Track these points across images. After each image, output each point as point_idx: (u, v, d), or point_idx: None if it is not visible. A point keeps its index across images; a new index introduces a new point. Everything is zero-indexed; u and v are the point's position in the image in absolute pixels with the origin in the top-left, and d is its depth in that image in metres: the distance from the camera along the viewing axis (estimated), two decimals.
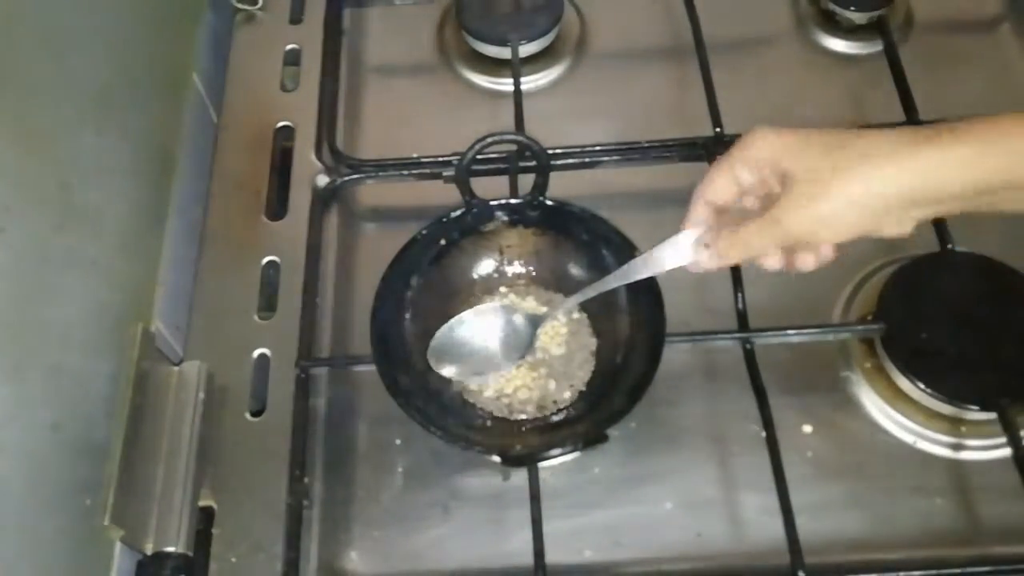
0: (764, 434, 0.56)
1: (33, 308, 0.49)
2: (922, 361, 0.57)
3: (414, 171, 0.68)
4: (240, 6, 0.78)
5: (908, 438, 0.58)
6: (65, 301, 0.52)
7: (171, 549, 0.54)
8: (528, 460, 0.55)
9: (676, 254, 0.49)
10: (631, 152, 0.68)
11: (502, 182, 0.65)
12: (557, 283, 0.62)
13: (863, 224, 0.43)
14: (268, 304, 0.64)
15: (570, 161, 0.67)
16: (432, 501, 0.57)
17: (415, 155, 0.69)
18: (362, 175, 0.69)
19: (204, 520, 0.56)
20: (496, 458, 0.57)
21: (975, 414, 0.57)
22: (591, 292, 0.54)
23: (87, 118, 0.57)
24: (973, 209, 0.43)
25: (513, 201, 0.62)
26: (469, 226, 0.61)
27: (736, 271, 0.61)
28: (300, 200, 0.68)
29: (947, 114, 0.65)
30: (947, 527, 0.55)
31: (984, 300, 0.60)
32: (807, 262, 0.47)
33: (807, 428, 0.58)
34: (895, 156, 0.42)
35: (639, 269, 0.50)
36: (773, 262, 0.47)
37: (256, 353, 0.62)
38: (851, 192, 0.42)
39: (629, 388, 0.54)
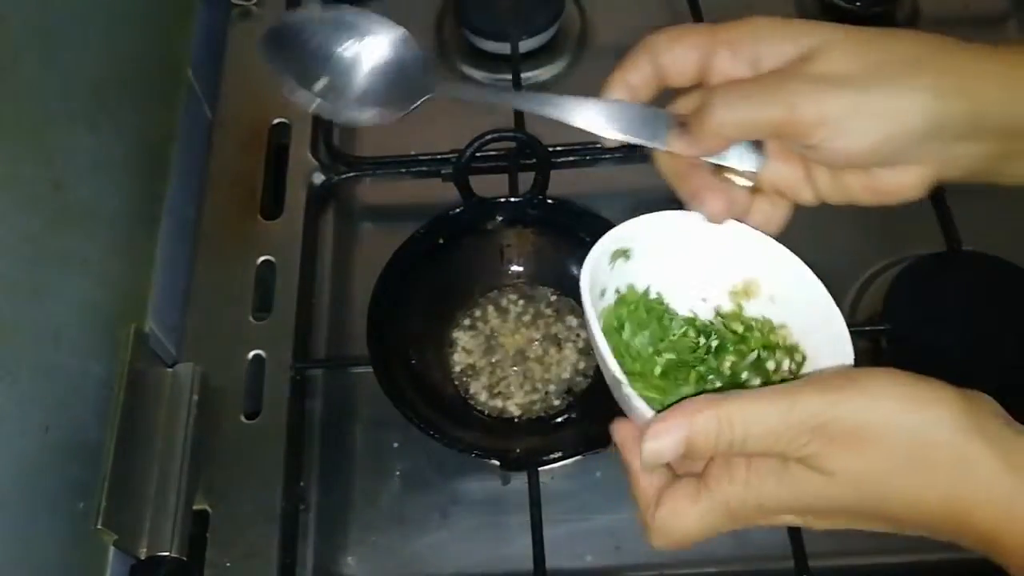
0: None
1: (25, 308, 0.49)
2: (928, 362, 0.56)
3: (412, 169, 0.68)
4: (236, 0, 0.77)
5: None
6: (57, 301, 0.52)
7: (165, 553, 0.53)
8: (528, 464, 0.54)
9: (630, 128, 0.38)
10: (632, 149, 0.67)
11: (501, 180, 0.64)
12: (557, 283, 0.61)
13: (884, 147, 0.33)
14: (263, 304, 0.64)
15: (571, 159, 0.67)
16: (430, 505, 0.57)
17: (413, 152, 0.68)
18: (359, 173, 0.69)
19: (198, 524, 0.56)
20: (495, 462, 0.56)
21: None
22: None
23: (80, 116, 0.56)
24: (996, 160, 0.35)
25: (513, 199, 0.61)
26: (468, 225, 0.61)
27: None
28: (296, 199, 0.67)
29: None
30: None
31: (992, 300, 0.59)
32: (811, 185, 0.37)
33: None
34: (959, 68, 0.33)
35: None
36: (768, 165, 0.36)
37: (251, 354, 0.61)
38: (892, 94, 0.33)
39: None
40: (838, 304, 0.61)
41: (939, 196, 0.62)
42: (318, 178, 0.69)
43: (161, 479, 0.55)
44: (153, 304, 0.62)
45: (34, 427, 0.48)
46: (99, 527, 0.50)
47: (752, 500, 0.32)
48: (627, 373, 0.35)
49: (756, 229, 0.39)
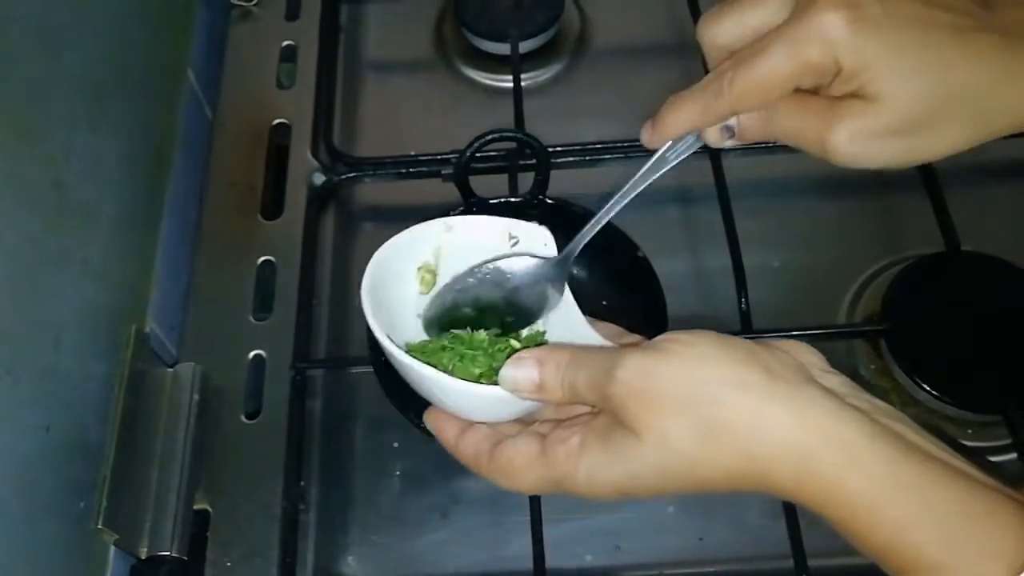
0: None
1: (25, 309, 0.49)
2: (928, 363, 0.57)
3: (412, 169, 0.68)
4: (236, 2, 0.77)
5: None
6: (58, 302, 0.52)
7: (165, 553, 0.53)
8: None
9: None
10: (633, 150, 0.67)
11: (501, 180, 0.64)
12: None
13: (929, 107, 0.35)
14: (264, 305, 0.63)
15: (571, 159, 0.67)
16: (430, 505, 0.57)
17: (413, 153, 0.68)
18: (359, 173, 0.68)
19: (199, 524, 0.56)
20: None
21: (981, 416, 0.56)
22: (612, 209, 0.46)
23: (80, 116, 0.56)
24: None
25: (513, 200, 0.61)
26: None
27: (739, 271, 0.60)
28: (296, 199, 0.67)
29: None
30: None
31: (991, 301, 0.59)
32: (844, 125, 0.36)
33: None
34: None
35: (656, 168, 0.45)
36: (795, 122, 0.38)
37: (251, 354, 0.61)
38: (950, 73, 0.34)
39: None
40: (837, 304, 0.62)
41: (939, 196, 0.62)
42: (318, 178, 0.69)
43: (161, 479, 0.55)
44: (153, 304, 0.62)
45: (34, 427, 0.48)
46: (100, 527, 0.50)
47: (582, 470, 0.36)
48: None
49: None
